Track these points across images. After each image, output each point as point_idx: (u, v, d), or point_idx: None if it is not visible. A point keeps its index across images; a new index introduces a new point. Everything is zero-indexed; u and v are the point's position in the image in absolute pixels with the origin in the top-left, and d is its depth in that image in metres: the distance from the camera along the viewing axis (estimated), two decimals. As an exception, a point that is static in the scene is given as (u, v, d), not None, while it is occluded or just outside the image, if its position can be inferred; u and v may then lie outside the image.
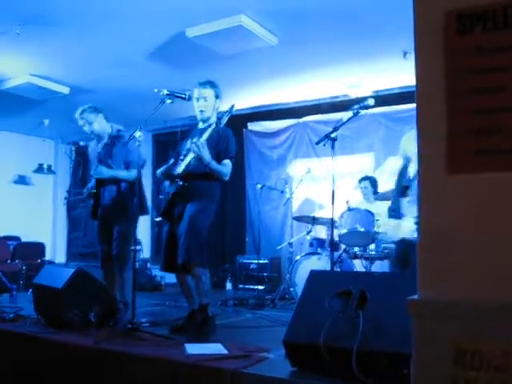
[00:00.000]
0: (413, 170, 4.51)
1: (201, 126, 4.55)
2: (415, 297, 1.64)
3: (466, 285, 1.53)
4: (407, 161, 4.62)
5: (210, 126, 4.37)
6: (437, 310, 1.56)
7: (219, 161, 4.37)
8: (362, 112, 4.57)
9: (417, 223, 4.21)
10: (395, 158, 6.29)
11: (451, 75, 1.59)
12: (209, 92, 4.48)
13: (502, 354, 1.42)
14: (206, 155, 4.17)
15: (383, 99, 7.44)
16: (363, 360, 2.55)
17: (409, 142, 4.55)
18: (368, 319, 2.69)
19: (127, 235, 5.00)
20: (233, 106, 4.35)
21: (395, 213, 4.61)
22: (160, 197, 4.44)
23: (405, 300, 2.56)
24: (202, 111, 4.46)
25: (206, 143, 4.21)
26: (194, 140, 4.25)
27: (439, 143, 1.58)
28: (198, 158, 4.20)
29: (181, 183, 4.26)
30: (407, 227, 4.44)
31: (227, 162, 4.40)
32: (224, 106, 4.43)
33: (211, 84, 4.52)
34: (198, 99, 4.47)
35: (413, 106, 4.90)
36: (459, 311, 1.52)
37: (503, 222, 1.50)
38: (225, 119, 4.33)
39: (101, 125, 5.20)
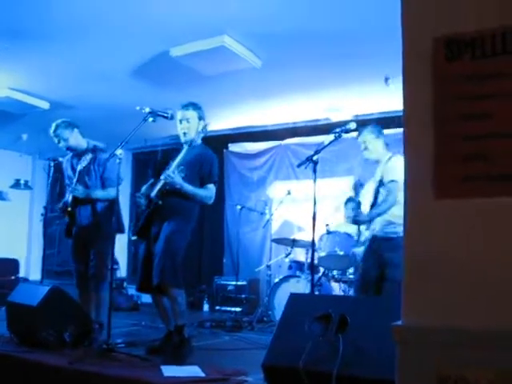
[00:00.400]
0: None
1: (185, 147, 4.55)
2: (399, 322, 1.62)
3: (451, 311, 1.52)
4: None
5: (198, 150, 4.39)
6: (421, 336, 1.54)
7: (202, 184, 4.36)
8: (344, 136, 4.61)
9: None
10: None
11: (439, 101, 1.59)
12: (191, 114, 4.48)
13: (487, 382, 1.41)
14: (178, 181, 4.20)
15: (364, 124, 7.48)
16: (343, 385, 2.53)
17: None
18: (348, 343, 2.67)
19: (104, 255, 4.95)
20: (206, 125, 4.38)
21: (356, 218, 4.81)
22: (140, 216, 4.40)
23: (386, 325, 2.55)
24: (185, 133, 4.46)
25: (188, 167, 4.21)
26: (166, 170, 4.26)
27: (426, 168, 1.57)
28: (171, 186, 4.21)
29: (156, 201, 4.23)
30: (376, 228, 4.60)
31: (211, 186, 4.40)
32: (211, 126, 4.46)
33: (194, 106, 4.53)
34: (180, 121, 4.47)
35: (392, 131, 4.97)
36: (444, 337, 1.50)
37: (490, 249, 1.50)
38: (198, 139, 4.34)
39: (77, 140, 5.14)
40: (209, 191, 4.39)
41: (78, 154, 5.16)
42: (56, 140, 5.13)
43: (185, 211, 4.38)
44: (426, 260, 1.57)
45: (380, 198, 4.51)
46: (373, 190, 4.70)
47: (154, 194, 4.26)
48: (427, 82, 1.61)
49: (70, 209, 4.96)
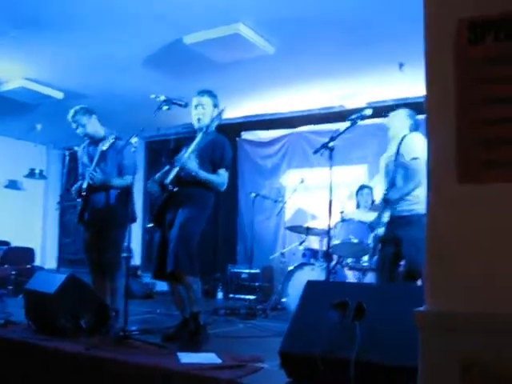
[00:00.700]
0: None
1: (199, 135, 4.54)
2: (421, 308, 1.61)
3: (476, 297, 1.51)
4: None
5: (212, 137, 4.38)
6: (445, 322, 1.53)
7: (214, 170, 4.35)
8: (358, 123, 4.56)
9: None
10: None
11: (462, 85, 1.57)
12: (207, 100, 4.48)
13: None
14: (193, 167, 4.17)
15: (378, 111, 7.44)
16: (361, 372, 2.52)
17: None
18: (365, 331, 2.66)
19: (117, 243, 4.95)
20: (222, 110, 4.36)
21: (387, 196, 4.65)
22: (153, 202, 4.40)
23: (403, 312, 2.55)
24: (199, 119, 4.45)
25: (200, 153, 4.20)
26: (182, 154, 4.25)
27: (449, 153, 1.56)
28: (186, 171, 4.19)
29: (171, 188, 4.22)
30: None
31: (222, 171, 4.38)
32: (224, 114, 4.44)
33: (209, 93, 4.53)
34: (196, 107, 4.47)
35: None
36: (468, 324, 1.49)
37: (513, 234, 1.48)
38: (213, 125, 4.32)
39: (94, 127, 5.14)
40: (221, 177, 4.37)
41: (94, 141, 5.17)
42: (74, 126, 5.13)
43: (200, 198, 4.37)
44: (449, 245, 1.56)
45: (399, 177, 4.36)
46: (386, 168, 4.58)
47: (168, 180, 4.25)
48: (449, 65, 1.59)
49: (84, 193, 4.97)
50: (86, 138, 5.22)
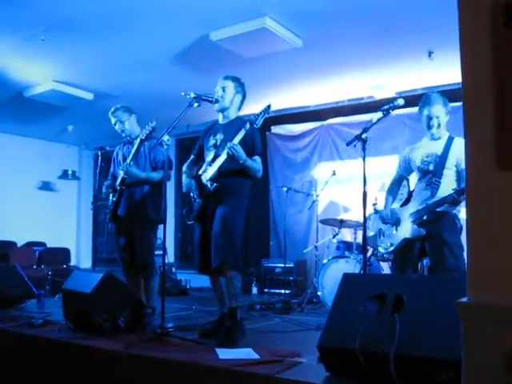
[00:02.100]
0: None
1: (221, 120, 4.53)
2: (465, 299, 1.58)
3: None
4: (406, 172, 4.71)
5: (235, 122, 4.35)
6: (489, 313, 1.50)
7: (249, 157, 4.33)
8: (390, 113, 4.50)
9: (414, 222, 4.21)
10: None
11: (499, 69, 1.53)
12: (229, 84, 4.47)
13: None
14: (243, 155, 4.15)
15: (407, 100, 7.36)
16: (401, 365, 2.49)
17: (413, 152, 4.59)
18: (405, 323, 2.63)
19: (149, 242, 5.00)
20: (269, 107, 4.33)
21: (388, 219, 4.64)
22: (192, 200, 4.39)
23: (443, 304, 2.52)
24: (218, 100, 4.42)
25: (230, 141, 4.18)
26: (217, 137, 4.29)
27: (488, 140, 1.52)
28: (232, 159, 4.17)
29: (214, 185, 4.20)
30: (405, 229, 4.43)
31: (257, 158, 4.36)
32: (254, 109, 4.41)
33: (233, 78, 4.51)
34: (217, 90, 4.46)
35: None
36: (513, 315, 1.46)
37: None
38: (260, 120, 4.28)
39: (132, 126, 5.21)
40: (257, 163, 4.36)
41: (129, 141, 5.24)
42: (113, 121, 5.22)
43: (238, 190, 4.34)
44: (492, 234, 1.52)
45: (447, 179, 4.28)
46: (423, 163, 4.45)
47: (208, 177, 4.24)
48: (485, 50, 1.56)
49: (119, 187, 5.02)
50: (123, 136, 5.26)
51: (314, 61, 6.79)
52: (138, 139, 4.96)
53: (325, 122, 8.95)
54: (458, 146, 4.26)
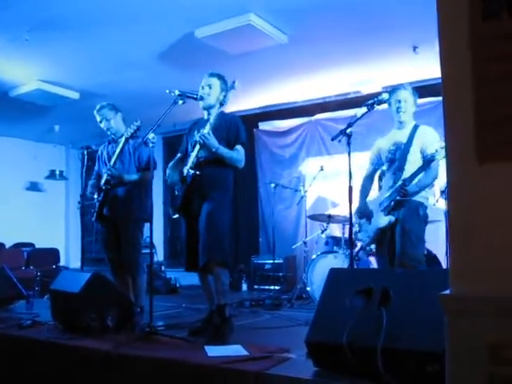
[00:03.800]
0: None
1: (206, 116, 4.52)
2: (447, 292, 1.58)
3: (501, 278, 1.48)
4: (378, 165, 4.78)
5: (221, 118, 4.34)
6: (471, 304, 1.51)
7: (231, 148, 4.32)
8: (375, 108, 4.51)
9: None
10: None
11: (477, 63, 1.54)
12: (215, 81, 4.47)
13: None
14: (214, 143, 4.15)
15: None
16: (388, 359, 2.50)
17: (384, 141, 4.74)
18: (392, 317, 2.64)
19: (135, 240, 4.99)
20: (234, 82, 4.33)
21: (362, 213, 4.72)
22: (176, 193, 4.38)
23: (429, 297, 2.53)
24: (203, 98, 4.42)
25: (214, 133, 4.18)
26: (201, 131, 4.24)
27: (468, 134, 1.53)
28: (206, 148, 4.17)
29: (193, 172, 4.19)
30: (377, 219, 4.53)
31: (239, 147, 4.35)
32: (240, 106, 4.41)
33: (219, 76, 4.51)
34: (203, 87, 4.45)
35: (423, 100, 4.80)
36: (494, 306, 1.47)
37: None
38: (228, 96, 4.29)
39: (118, 124, 5.19)
40: (239, 153, 4.35)
41: (114, 140, 5.22)
42: (99, 118, 5.20)
43: (221, 182, 4.32)
44: (472, 227, 1.53)
45: (411, 165, 4.36)
46: (390, 154, 4.57)
47: (188, 167, 4.24)
48: (464, 43, 1.56)
49: (104, 187, 5.01)
50: (108, 134, 5.24)
51: (299, 57, 6.80)
52: (123, 138, 4.95)
53: (312, 118, 8.96)
54: (422, 133, 4.41)
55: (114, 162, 4.96)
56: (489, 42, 1.55)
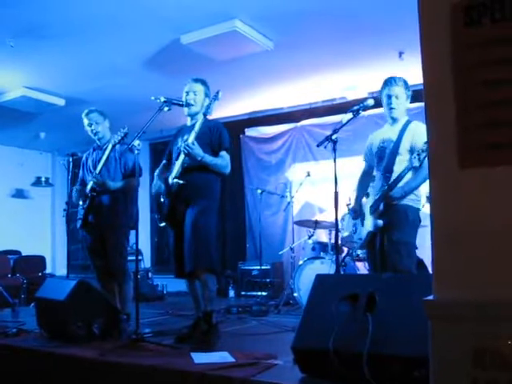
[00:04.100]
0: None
1: (189, 122, 4.51)
2: (431, 297, 1.59)
3: (484, 283, 1.49)
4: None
5: (204, 125, 4.33)
6: (454, 310, 1.51)
7: (215, 155, 4.32)
8: (361, 113, 4.49)
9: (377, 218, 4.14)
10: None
11: (460, 69, 1.55)
12: (199, 87, 4.46)
13: (524, 354, 1.38)
14: (199, 152, 4.14)
15: (379, 100, 7.41)
16: (374, 364, 2.50)
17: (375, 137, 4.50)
18: (377, 322, 2.64)
19: (120, 247, 4.96)
20: (217, 93, 4.33)
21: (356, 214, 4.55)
22: (162, 201, 4.37)
23: (414, 302, 2.53)
24: (190, 105, 4.42)
25: (198, 140, 4.17)
26: (185, 138, 4.24)
27: (450, 139, 1.53)
28: (191, 157, 4.17)
29: (179, 182, 4.20)
30: (368, 222, 4.32)
31: (223, 153, 4.35)
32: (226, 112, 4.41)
33: (203, 81, 4.51)
34: (187, 93, 4.45)
35: (410, 105, 4.77)
36: (477, 311, 1.47)
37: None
38: (212, 106, 4.29)
39: (104, 130, 5.16)
40: (224, 159, 4.34)
41: (99, 146, 5.19)
42: (86, 122, 5.15)
43: (207, 189, 4.31)
44: (455, 232, 1.54)
45: (401, 165, 4.13)
46: (379, 151, 4.37)
47: (173, 175, 4.24)
48: (447, 49, 1.57)
49: (89, 194, 4.98)
50: (95, 139, 5.20)
51: (285, 63, 6.81)
52: (110, 144, 4.93)
53: (298, 124, 8.98)
54: (413, 129, 4.18)
55: (100, 169, 4.94)
56: (472, 48, 1.55)
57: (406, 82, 4.34)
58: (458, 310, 1.51)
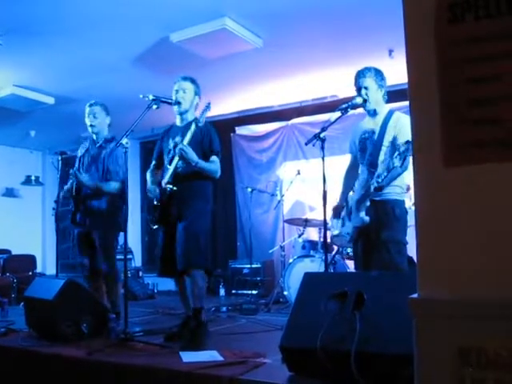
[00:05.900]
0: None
1: (179, 123, 4.51)
2: (415, 296, 1.59)
3: (467, 281, 1.49)
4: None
5: (189, 124, 4.32)
6: (439, 308, 1.51)
7: (206, 159, 4.32)
8: (350, 112, 4.46)
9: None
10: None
11: (444, 65, 1.54)
12: (189, 85, 4.46)
13: (508, 352, 1.38)
14: (193, 157, 4.14)
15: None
16: (362, 362, 2.50)
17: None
18: (366, 320, 2.64)
19: (110, 247, 4.94)
20: (209, 103, 4.32)
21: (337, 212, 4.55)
22: (154, 203, 4.35)
23: (403, 300, 2.53)
24: (179, 103, 4.40)
25: (190, 144, 4.17)
26: (177, 140, 4.26)
27: (434, 136, 1.53)
28: (186, 161, 4.17)
29: (171, 188, 4.20)
30: (354, 217, 4.25)
31: (214, 158, 4.35)
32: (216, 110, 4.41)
33: (192, 79, 4.51)
34: (177, 91, 4.44)
35: (399, 104, 4.76)
36: (462, 309, 1.47)
37: (504, 215, 1.46)
38: (203, 116, 4.29)
39: (102, 125, 5.13)
40: (216, 164, 4.34)
41: (94, 142, 5.18)
42: (86, 112, 5.15)
43: (200, 193, 4.33)
44: (440, 229, 1.53)
45: (382, 157, 4.09)
46: (361, 144, 4.34)
47: (166, 180, 4.24)
48: (431, 46, 1.57)
49: (74, 194, 4.96)
50: (90, 131, 5.18)
51: (275, 61, 6.80)
52: (102, 142, 4.93)
53: (289, 122, 8.97)
54: (395, 120, 4.14)
55: (86, 168, 4.95)
56: (456, 45, 1.55)
57: (377, 73, 4.28)
58: (442, 309, 1.51)
